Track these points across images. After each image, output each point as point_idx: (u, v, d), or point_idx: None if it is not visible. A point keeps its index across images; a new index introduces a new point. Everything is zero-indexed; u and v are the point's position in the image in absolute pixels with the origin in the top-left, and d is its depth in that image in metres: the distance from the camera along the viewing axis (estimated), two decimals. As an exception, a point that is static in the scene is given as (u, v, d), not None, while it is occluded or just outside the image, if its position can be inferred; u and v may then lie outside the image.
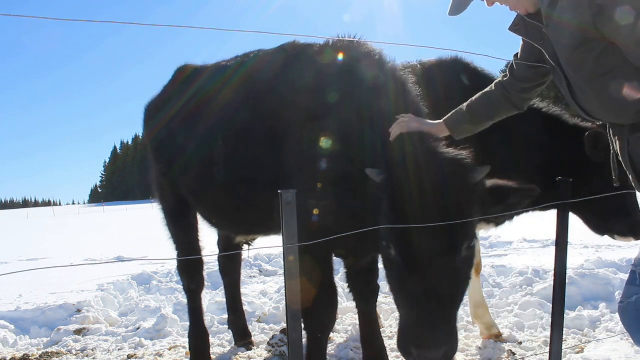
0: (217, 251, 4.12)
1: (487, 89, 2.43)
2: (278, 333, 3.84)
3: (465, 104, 2.42)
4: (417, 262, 1.75)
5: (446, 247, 1.75)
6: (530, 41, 2.06)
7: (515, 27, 2.13)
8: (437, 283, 1.72)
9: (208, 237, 3.62)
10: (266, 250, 7.06)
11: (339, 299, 4.38)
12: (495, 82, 2.42)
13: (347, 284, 2.89)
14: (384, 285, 5.64)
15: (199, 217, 3.41)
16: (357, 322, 3.99)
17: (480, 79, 3.07)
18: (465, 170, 1.88)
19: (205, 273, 5.88)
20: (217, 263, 6.19)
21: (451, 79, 3.10)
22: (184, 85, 3.42)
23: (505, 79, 2.37)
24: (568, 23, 1.76)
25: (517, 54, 2.32)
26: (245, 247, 3.91)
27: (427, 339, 1.69)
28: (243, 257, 4.23)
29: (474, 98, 2.43)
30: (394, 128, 2.14)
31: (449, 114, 2.43)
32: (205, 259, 6.56)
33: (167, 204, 3.46)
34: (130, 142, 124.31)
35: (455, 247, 1.76)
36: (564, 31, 1.79)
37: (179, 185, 3.27)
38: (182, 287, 3.95)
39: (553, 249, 2.44)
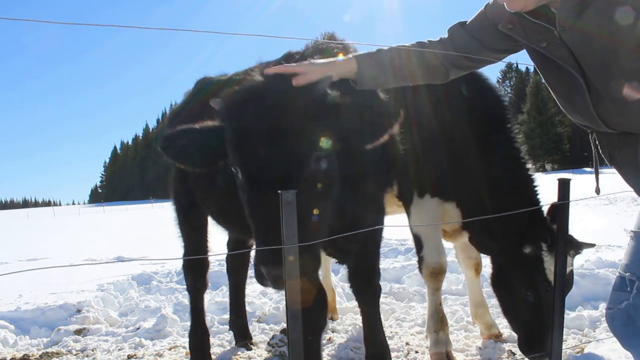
0: (221, 251, 4.15)
1: (411, 46, 2.08)
2: (278, 333, 3.84)
3: (383, 53, 2.03)
4: (259, 178, 1.71)
5: (286, 158, 1.70)
6: (528, 44, 1.87)
7: (508, 27, 1.88)
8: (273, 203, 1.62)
9: (217, 238, 3.68)
10: (266, 250, 7.04)
11: (338, 298, 4.42)
12: (426, 42, 2.11)
13: (348, 285, 2.89)
14: (383, 285, 5.63)
15: (209, 219, 3.52)
16: (357, 322, 4.00)
17: (479, 83, 3.04)
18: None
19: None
20: (217, 263, 6.24)
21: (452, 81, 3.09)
22: (198, 95, 3.62)
23: (441, 43, 2.08)
24: (607, 28, 1.63)
25: (465, 22, 2.07)
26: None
27: (274, 253, 1.63)
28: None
29: (397, 53, 2.06)
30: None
31: (361, 56, 2.02)
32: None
33: (180, 205, 3.57)
34: (130, 142, 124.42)
35: (297, 157, 1.72)
36: (596, 37, 1.66)
37: (192, 189, 3.39)
38: (182, 287, 4.01)
39: (553, 249, 2.45)
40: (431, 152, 2.91)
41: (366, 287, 2.74)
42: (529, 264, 2.58)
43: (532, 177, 2.88)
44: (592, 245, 2.67)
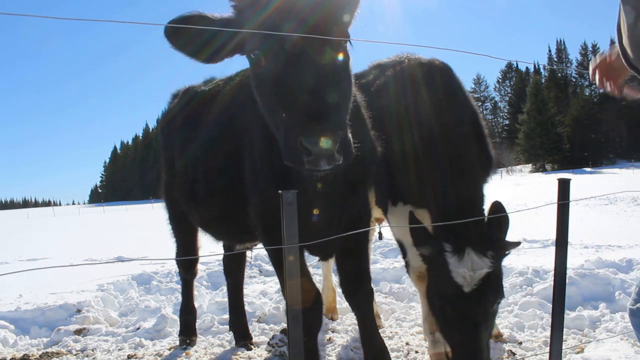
0: (220, 252, 4.20)
1: None
2: (278, 333, 3.84)
3: None
4: (285, 56, 1.66)
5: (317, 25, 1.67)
6: None
7: None
8: (308, 73, 1.62)
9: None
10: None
11: (338, 298, 4.42)
12: None
13: (341, 291, 2.88)
14: (383, 285, 5.61)
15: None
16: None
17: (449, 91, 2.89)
18: None
19: (205, 273, 5.98)
20: (217, 263, 6.25)
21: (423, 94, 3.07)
22: (182, 106, 3.76)
23: None
24: None
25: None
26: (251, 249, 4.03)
27: (317, 124, 1.51)
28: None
29: None
30: None
31: None
32: (204, 259, 6.62)
33: (172, 212, 3.93)
34: (130, 142, 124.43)
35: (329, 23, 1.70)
36: None
37: (177, 201, 3.65)
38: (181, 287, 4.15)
39: (553, 249, 2.45)
40: (399, 162, 2.89)
41: (356, 293, 2.72)
42: (436, 269, 2.43)
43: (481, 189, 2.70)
44: (517, 244, 2.42)
